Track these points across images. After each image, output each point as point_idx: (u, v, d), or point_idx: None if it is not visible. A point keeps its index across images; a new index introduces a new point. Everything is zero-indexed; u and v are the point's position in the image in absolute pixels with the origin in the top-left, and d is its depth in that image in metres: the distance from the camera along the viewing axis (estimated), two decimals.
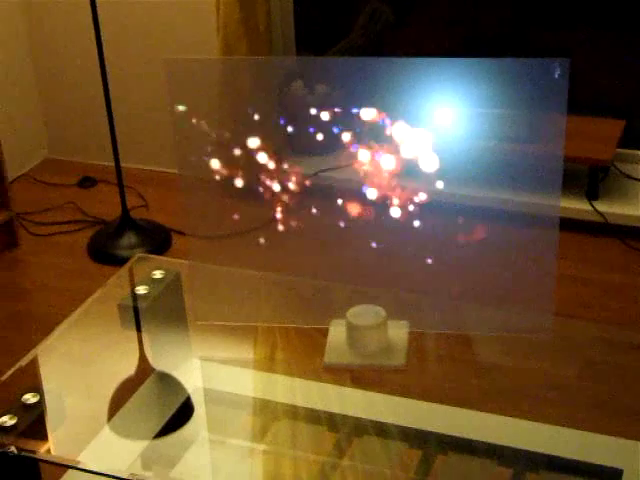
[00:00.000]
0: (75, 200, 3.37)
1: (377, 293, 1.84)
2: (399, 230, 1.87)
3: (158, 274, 1.95)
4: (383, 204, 1.91)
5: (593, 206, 2.94)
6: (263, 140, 3.20)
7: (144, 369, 1.94)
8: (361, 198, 1.98)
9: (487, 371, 2.00)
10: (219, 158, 3.17)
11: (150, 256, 2.17)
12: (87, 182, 3.50)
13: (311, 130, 3.32)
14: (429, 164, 1.90)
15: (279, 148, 3.27)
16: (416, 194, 1.91)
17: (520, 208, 1.79)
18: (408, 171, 1.89)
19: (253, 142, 3.20)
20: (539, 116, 1.79)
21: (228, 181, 3.13)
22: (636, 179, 3.10)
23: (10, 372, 1.71)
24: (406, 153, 1.93)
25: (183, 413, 1.89)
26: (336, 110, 3.33)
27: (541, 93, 1.69)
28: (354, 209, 2.02)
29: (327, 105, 3.28)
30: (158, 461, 1.84)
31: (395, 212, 1.89)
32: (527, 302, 1.72)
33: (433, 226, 1.86)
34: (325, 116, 3.32)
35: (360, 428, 1.82)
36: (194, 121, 2.03)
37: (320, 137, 3.35)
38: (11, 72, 3.49)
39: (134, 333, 1.96)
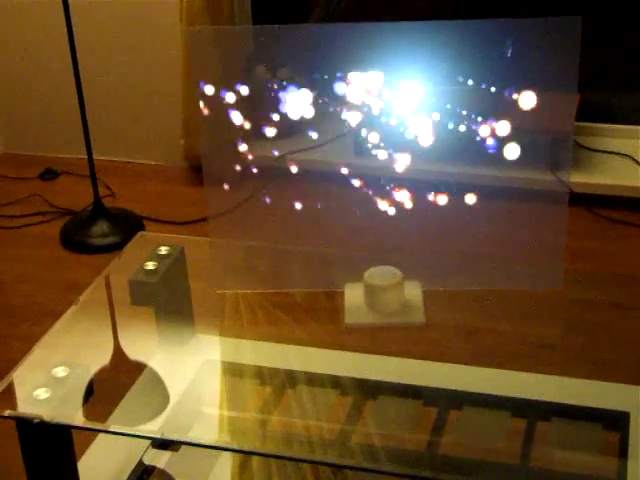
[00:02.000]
0: (39, 192, 3.35)
1: (384, 257, 1.89)
2: (385, 206, 1.91)
3: (164, 250, 1.97)
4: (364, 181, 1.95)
5: (556, 176, 3.04)
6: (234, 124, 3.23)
7: (155, 343, 1.96)
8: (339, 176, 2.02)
9: (482, 331, 2.07)
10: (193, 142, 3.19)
11: (152, 234, 2.19)
12: (49, 174, 3.49)
13: (275, 113, 3.36)
14: (421, 140, 1.95)
15: (247, 131, 3.30)
16: (409, 170, 1.94)
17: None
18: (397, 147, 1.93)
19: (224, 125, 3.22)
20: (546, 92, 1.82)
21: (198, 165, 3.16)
22: (593, 150, 3.22)
23: (36, 349, 1.72)
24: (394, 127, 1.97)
25: (194, 385, 1.92)
26: (300, 92, 3.37)
27: (549, 61, 1.73)
28: (333, 187, 2.06)
29: (291, 88, 3.33)
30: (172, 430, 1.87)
31: (394, 192, 1.92)
32: (537, 259, 1.79)
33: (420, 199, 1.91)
34: (289, 99, 3.36)
35: (373, 390, 1.87)
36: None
37: (285, 120, 3.39)
38: None
39: (144, 308, 1.97)
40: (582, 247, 2.85)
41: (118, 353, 1.89)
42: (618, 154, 3.19)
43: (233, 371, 1.97)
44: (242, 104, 3.23)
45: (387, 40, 2.00)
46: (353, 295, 1.81)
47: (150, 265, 1.93)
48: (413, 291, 1.80)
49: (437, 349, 1.88)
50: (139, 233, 2.06)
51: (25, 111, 3.60)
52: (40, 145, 3.62)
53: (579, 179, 3.06)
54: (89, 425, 1.63)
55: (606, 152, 3.21)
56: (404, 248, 1.92)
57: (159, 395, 1.88)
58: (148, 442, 1.96)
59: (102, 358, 1.86)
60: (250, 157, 3.30)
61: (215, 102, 2.94)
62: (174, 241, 2.04)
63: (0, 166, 3.58)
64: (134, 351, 1.92)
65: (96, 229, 3.02)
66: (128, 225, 3.06)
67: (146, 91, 3.39)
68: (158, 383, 1.92)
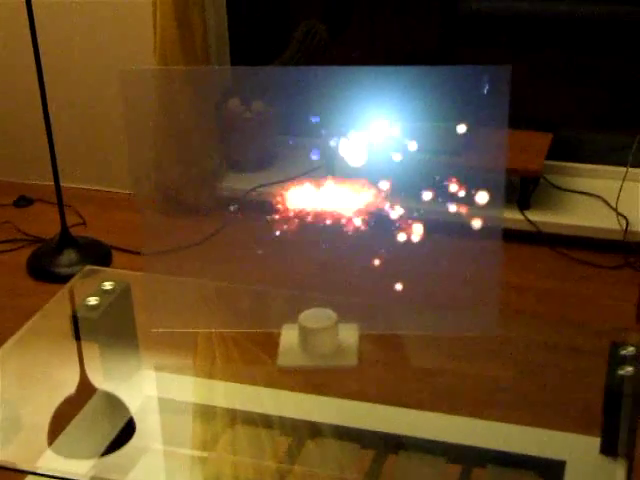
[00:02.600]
0: (11, 219, 3.36)
1: (325, 299, 1.88)
2: (342, 242, 1.92)
3: (108, 285, 1.97)
4: (323, 216, 1.95)
5: (525, 215, 3.05)
6: (203, 157, 3.25)
7: (95, 380, 1.96)
8: (302, 212, 2.02)
9: (430, 373, 2.07)
10: (163, 175, 3.20)
11: (99, 268, 2.19)
12: (23, 201, 3.50)
13: (248, 146, 3.38)
14: (367, 174, 1.95)
15: (218, 165, 3.32)
16: (358, 206, 1.95)
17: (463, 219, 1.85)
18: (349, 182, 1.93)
19: (194, 159, 3.24)
20: (479, 128, 1.85)
21: (171, 197, 3.18)
22: (564, 189, 3.21)
23: None
24: (345, 165, 1.97)
25: (135, 423, 1.91)
26: (273, 126, 3.40)
27: (482, 103, 1.76)
28: (295, 223, 2.06)
29: (264, 121, 3.35)
30: (112, 470, 1.85)
31: (337, 225, 1.92)
32: (473, 304, 1.79)
33: (374, 237, 1.91)
34: (262, 132, 3.39)
35: (311, 431, 1.87)
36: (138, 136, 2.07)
37: (257, 153, 3.42)
38: None
39: (85, 344, 1.97)
40: (545, 287, 2.84)
41: (59, 389, 1.89)
42: (588, 194, 3.18)
43: (173, 408, 1.97)
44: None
45: (352, 82, 2.04)
46: (289, 336, 1.81)
47: (92, 300, 1.93)
48: (348, 334, 1.80)
49: (374, 391, 1.88)
50: (86, 267, 2.06)
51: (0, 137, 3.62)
52: (15, 172, 3.63)
53: (547, 218, 3.06)
54: (13, 466, 1.60)
55: (576, 192, 3.21)
56: (347, 291, 1.92)
57: (99, 431, 1.87)
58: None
59: (40, 394, 1.86)
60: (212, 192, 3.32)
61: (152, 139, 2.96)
62: (120, 276, 2.05)
63: None
64: (76, 386, 1.92)
65: (63, 258, 3.02)
66: (95, 255, 3.06)
67: (120, 121, 3.40)
68: (98, 419, 1.91)
